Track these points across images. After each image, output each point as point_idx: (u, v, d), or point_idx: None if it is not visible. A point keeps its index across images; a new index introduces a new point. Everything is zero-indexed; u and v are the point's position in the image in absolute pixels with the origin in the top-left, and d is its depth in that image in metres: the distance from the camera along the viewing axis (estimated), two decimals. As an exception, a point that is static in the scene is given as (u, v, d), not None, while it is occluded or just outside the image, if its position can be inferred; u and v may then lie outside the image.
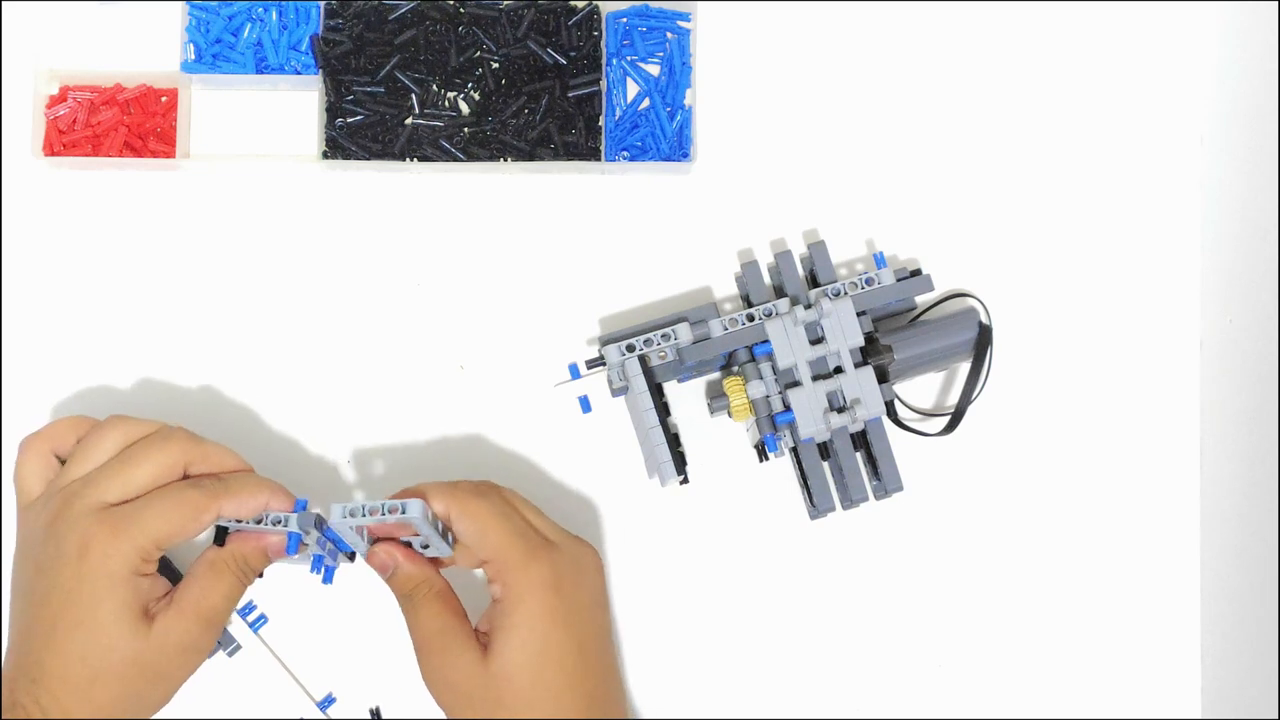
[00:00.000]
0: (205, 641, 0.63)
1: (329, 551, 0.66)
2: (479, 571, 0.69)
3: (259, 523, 0.64)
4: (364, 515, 0.62)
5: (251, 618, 0.70)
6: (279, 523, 0.64)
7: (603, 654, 0.64)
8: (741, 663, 0.72)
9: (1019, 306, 0.74)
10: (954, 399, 0.73)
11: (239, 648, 0.69)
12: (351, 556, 0.67)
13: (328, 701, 0.70)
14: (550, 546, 0.63)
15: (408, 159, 0.72)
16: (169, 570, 0.67)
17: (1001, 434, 0.74)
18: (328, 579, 0.66)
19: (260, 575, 0.66)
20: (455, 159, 0.73)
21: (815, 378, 0.69)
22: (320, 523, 0.64)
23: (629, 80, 0.74)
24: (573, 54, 0.73)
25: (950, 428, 0.71)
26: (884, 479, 0.69)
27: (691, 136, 0.73)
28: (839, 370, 0.69)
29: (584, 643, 0.62)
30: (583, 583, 0.63)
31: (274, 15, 0.73)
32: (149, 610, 0.61)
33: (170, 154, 0.73)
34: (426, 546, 0.64)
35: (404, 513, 0.61)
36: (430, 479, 0.72)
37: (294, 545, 0.64)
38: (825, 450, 0.70)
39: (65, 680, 0.59)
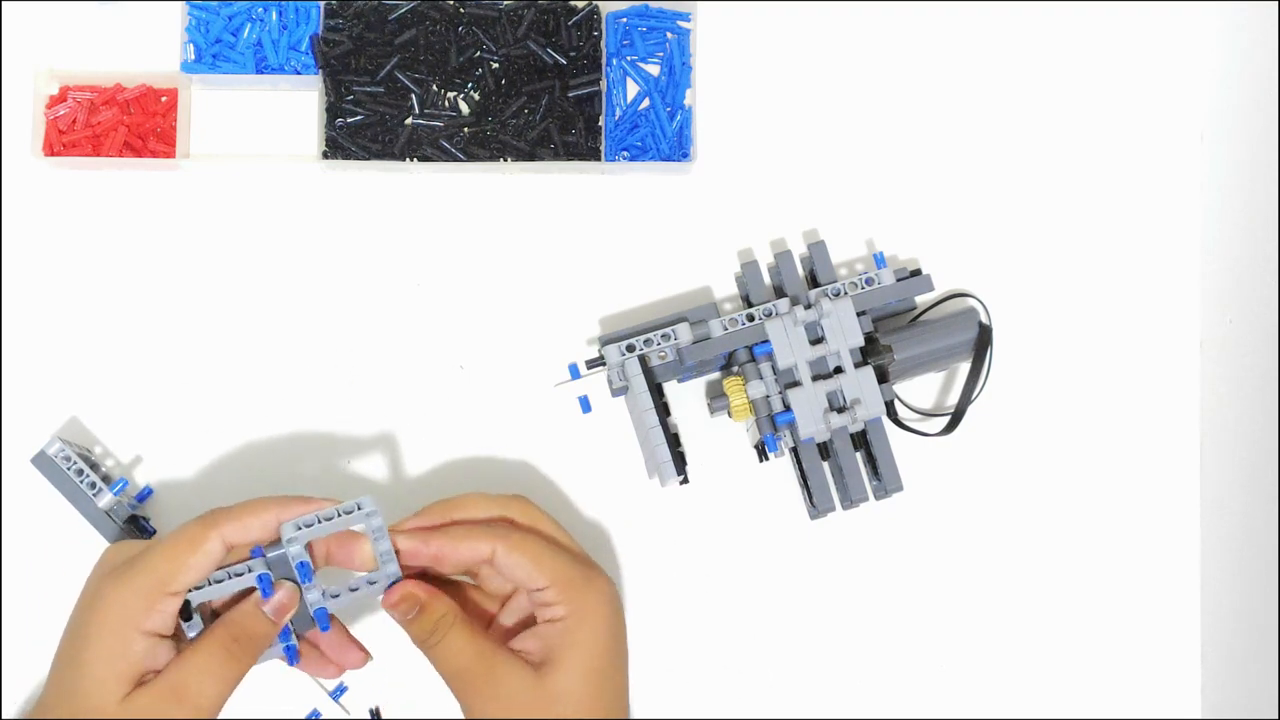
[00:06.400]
0: None
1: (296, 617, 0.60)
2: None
3: (219, 582, 0.58)
4: (317, 524, 0.58)
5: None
6: (240, 575, 0.58)
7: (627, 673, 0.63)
8: (742, 663, 0.72)
9: (1019, 306, 0.74)
10: (954, 399, 0.73)
11: None
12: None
13: (339, 690, 0.70)
14: (596, 566, 0.62)
15: (408, 159, 0.72)
16: None
17: (1001, 434, 0.74)
18: (292, 659, 0.61)
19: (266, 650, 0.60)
20: (455, 159, 0.72)
21: (815, 378, 0.69)
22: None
23: (629, 80, 0.74)
24: (573, 54, 0.73)
25: (950, 428, 0.71)
26: (884, 479, 0.69)
27: (691, 136, 0.73)
28: (839, 370, 0.69)
29: (626, 660, 0.62)
30: (621, 602, 0.63)
31: (274, 15, 0.73)
32: (144, 680, 0.57)
33: (170, 154, 0.73)
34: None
35: (361, 509, 0.58)
36: (429, 479, 0.72)
37: (266, 587, 0.59)
38: (825, 450, 0.70)
39: (50, 711, 0.58)
